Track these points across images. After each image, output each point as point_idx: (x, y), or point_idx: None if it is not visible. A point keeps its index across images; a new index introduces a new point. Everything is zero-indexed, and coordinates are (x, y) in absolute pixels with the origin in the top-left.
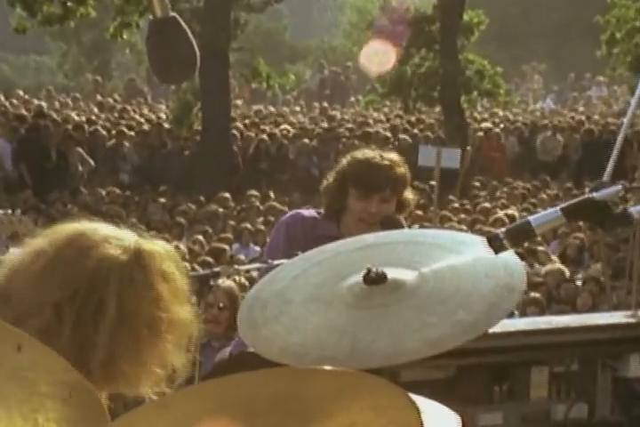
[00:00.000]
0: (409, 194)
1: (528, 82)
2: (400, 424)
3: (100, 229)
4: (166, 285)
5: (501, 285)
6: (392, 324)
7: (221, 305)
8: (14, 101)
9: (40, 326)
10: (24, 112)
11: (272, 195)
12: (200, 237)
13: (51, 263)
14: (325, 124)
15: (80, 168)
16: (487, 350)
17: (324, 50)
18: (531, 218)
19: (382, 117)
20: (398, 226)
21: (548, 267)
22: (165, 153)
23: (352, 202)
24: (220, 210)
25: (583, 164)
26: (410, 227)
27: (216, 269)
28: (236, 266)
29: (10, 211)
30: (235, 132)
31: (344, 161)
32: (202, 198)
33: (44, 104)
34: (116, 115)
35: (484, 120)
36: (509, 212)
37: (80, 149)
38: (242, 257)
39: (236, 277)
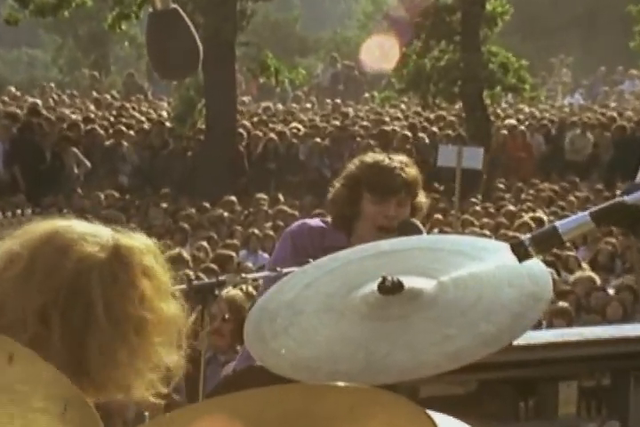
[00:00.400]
0: (422, 197)
1: (555, 76)
2: None
3: (73, 226)
4: (149, 281)
5: (526, 294)
6: (409, 336)
7: (227, 316)
8: (5, 98)
9: (27, 335)
10: (16, 110)
11: (281, 198)
12: (204, 244)
13: (28, 267)
14: (338, 123)
15: (76, 170)
16: (511, 363)
17: (337, 42)
18: (557, 223)
19: (399, 115)
20: (416, 231)
21: (578, 274)
22: (167, 153)
23: (367, 207)
24: (226, 214)
25: (615, 163)
26: (429, 232)
27: (222, 278)
28: (243, 274)
29: (10, 213)
30: (241, 130)
31: (351, 166)
32: (206, 203)
33: (37, 101)
34: (115, 113)
35: (509, 117)
36: (536, 215)
37: (76, 150)
38: (249, 265)
39: (243, 287)
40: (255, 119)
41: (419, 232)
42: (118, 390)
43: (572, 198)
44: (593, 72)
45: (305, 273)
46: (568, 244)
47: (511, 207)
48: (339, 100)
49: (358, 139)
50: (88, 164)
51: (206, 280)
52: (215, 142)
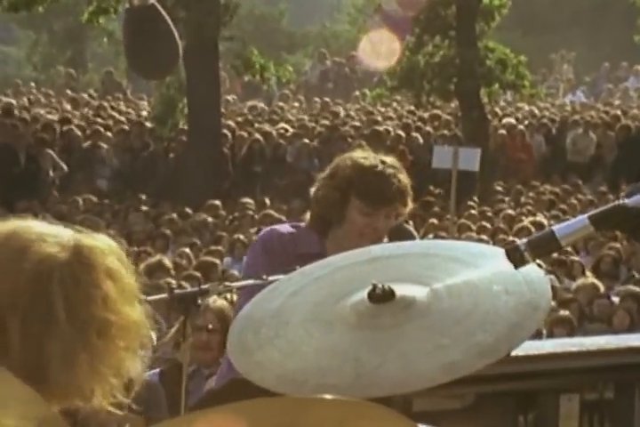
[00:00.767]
0: (410, 204)
1: (556, 72)
2: None
3: (32, 226)
4: (112, 283)
5: (524, 302)
6: (401, 347)
7: (210, 327)
8: None
9: None
10: None
11: (268, 202)
12: (187, 251)
13: None
14: (328, 122)
15: (52, 173)
16: (510, 375)
17: (326, 37)
18: (555, 227)
19: (392, 114)
20: (408, 236)
21: (580, 281)
22: (148, 156)
23: (355, 215)
24: (210, 219)
25: (619, 165)
26: (423, 237)
27: (205, 287)
28: (227, 283)
29: None
30: (225, 131)
31: (343, 166)
32: (189, 208)
33: (11, 101)
34: (92, 112)
35: (507, 116)
36: (537, 219)
37: (52, 152)
38: (234, 272)
39: (228, 296)
40: (240, 119)
41: (411, 237)
42: (80, 397)
43: (574, 202)
44: (596, 68)
45: (291, 281)
46: (570, 248)
47: (510, 211)
48: (328, 99)
49: (349, 139)
50: (64, 167)
51: (189, 289)
52: (198, 144)
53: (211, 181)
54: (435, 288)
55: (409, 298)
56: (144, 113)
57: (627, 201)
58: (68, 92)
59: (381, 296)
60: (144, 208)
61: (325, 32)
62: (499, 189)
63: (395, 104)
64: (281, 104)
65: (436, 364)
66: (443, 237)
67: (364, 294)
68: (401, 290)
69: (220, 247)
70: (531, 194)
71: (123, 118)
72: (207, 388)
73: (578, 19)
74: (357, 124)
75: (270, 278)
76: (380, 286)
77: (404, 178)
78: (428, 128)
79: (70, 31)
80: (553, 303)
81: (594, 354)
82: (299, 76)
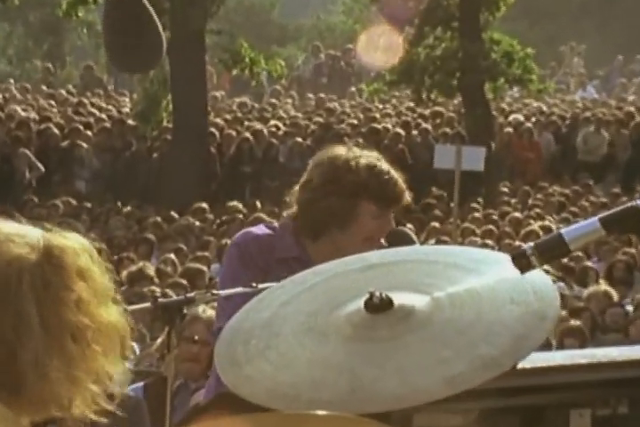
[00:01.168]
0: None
1: (566, 66)
2: None
3: None
4: (85, 283)
5: (530, 311)
6: (400, 359)
7: (196, 338)
8: None
9: None
10: None
11: (258, 205)
12: (172, 256)
13: None
14: (322, 120)
15: (28, 174)
16: (516, 389)
17: (320, 29)
18: (563, 231)
19: (390, 111)
20: (407, 241)
21: (592, 289)
22: (130, 156)
23: (366, 220)
24: (197, 223)
25: (633, 164)
26: (424, 242)
27: (190, 295)
28: (214, 291)
29: None
30: (213, 129)
31: (347, 169)
32: (174, 211)
33: None
34: (71, 109)
35: (514, 113)
36: (545, 223)
37: (28, 152)
38: None
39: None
40: (228, 117)
41: (411, 242)
42: (57, 406)
43: (585, 204)
44: (608, 61)
45: (282, 289)
46: (581, 254)
47: (517, 214)
48: (322, 95)
49: (345, 138)
50: (41, 167)
51: (174, 298)
52: (183, 143)
53: (197, 183)
54: (435, 297)
55: (408, 307)
56: (126, 110)
57: (639, 202)
58: (45, 87)
59: (379, 306)
60: (126, 212)
61: (319, 24)
62: (505, 190)
63: (393, 100)
64: (272, 101)
65: (437, 377)
66: (445, 242)
67: (360, 303)
68: (399, 299)
69: (207, 253)
70: (539, 196)
71: (103, 116)
72: (193, 403)
73: (589, 8)
74: (354, 121)
75: (260, 286)
76: (377, 294)
77: (395, 171)
78: (429, 126)
79: (47, 22)
80: (563, 313)
81: (606, 366)
82: (291, 71)
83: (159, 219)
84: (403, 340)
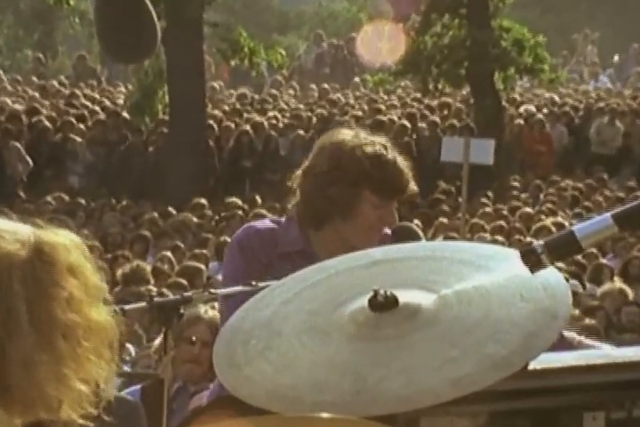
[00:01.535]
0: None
1: (579, 55)
2: None
3: None
4: (76, 281)
5: (541, 309)
6: (406, 359)
7: (194, 338)
8: None
9: None
10: None
11: (259, 200)
12: (169, 254)
13: None
14: (325, 112)
15: (20, 168)
16: (527, 391)
17: (322, 17)
18: (575, 227)
19: (396, 102)
20: (414, 237)
21: (606, 287)
22: (125, 150)
23: (367, 210)
24: (194, 220)
25: None
26: (432, 238)
27: (188, 294)
28: (213, 290)
29: None
30: (211, 122)
31: (351, 157)
32: (171, 207)
33: None
34: (63, 102)
35: (524, 103)
36: (558, 219)
37: (18, 145)
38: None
39: (216, 305)
40: (227, 108)
41: (417, 238)
42: (46, 408)
43: (599, 198)
44: (623, 50)
45: (283, 287)
46: (595, 250)
47: (528, 209)
48: (325, 86)
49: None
50: (30, 162)
51: (170, 297)
52: (180, 136)
53: (195, 178)
54: (442, 295)
55: (414, 306)
56: (120, 102)
57: None
58: (36, 79)
59: (383, 304)
60: (121, 208)
61: (321, 11)
62: (515, 184)
63: (399, 91)
64: (273, 92)
65: (445, 378)
66: (453, 238)
67: (364, 301)
68: (405, 297)
69: (205, 251)
70: (551, 190)
71: (97, 108)
72: (193, 406)
73: None
74: (358, 113)
75: (261, 284)
76: (381, 292)
77: (403, 160)
78: (437, 118)
79: (38, 11)
80: (576, 311)
81: (621, 367)
82: (292, 61)
83: (155, 215)
84: (408, 339)
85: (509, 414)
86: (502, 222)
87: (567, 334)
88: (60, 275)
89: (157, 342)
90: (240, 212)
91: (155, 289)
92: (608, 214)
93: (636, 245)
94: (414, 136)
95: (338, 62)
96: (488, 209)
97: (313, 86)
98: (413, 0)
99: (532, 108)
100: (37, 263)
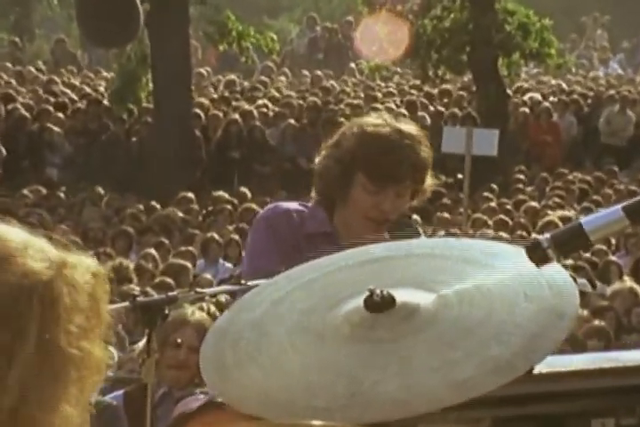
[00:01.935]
0: (428, 180)
1: (588, 39)
2: None
3: (11, 232)
4: (91, 312)
5: (546, 308)
6: (403, 362)
7: (179, 341)
8: None
9: None
10: None
11: (248, 194)
12: (153, 251)
13: None
14: (318, 100)
15: None
16: (532, 396)
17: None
18: (583, 220)
19: (393, 89)
20: (412, 233)
21: (617, 286)
22: (106, 140)
23: (358, 194)
24: (180, 215)
25: None
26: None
27: (173, 294)
28: (199, 289)
29: None
30: (197, 110)
31: (348, 133)
32: (155, 201)
33: None
34: (41, 89)
35: (530, 91)
36: (565, 213)
37: None
38: (208, 277)
39: (204, 305)
40: (215, 96)
41: (416, 234)
42: None
43: (609, 192)
44: (635, 34)
45: (275, 285)
46: (605, 246)
47: (533, 204)
48: (318, 72)
49: (342, 120)
50: (2, 150)
51: (155, 296)
52: (165, 125)
53: (181, 170)
54: (442, 294)
55: (412, 306)
56: (102, 89)
57: None
58: (11, 64)
59: (379, 304)
60: (102, 202)
61: None
62: (520, 177)
63: (397, 78)
64: (263, 78)
65: (444, 382)
66: (454, 234)
67: (359, 301)
68: (402, 296)
69: (191, 248)
70: (558, 183)
71: (76, 96)
72: (178, 412)
73: None
74: (353, 101)
75: (251, 283)
76: (377, 291)
77: (423, 151)
78: (437, 106)
79: None
80: (585, 312)
81: (632, 371)
82: (284, 46)
83: (139, 209)
84: (406, 341)
85: (513, 421)
86: (506, 217)
87: None
88: (79, 299)
89: (140, 344)
90: (229, 206)
91: (138, 288)
92: (619, 207)
93: None
94: None
95: (332, 47)
96: (491, 203)
97: (306, 73)
98: None
99: (539, 96)
100: (60, 285)
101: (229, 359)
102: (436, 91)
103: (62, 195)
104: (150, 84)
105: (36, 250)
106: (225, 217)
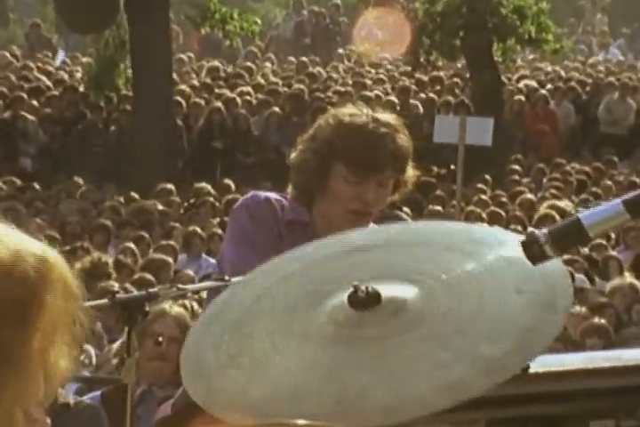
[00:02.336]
0: (410, 171)
1: (587, 23)
2: None
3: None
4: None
5: (538, 302)
6: (390, 364)
7: (160, 339)
8: None
9: None
10: None
11: (231, 185)
12: (132, 246)
13: None
14: (304, 87)
15: None
16: (528, 397)
17: None
18: (582, 215)
19: (383, 76)
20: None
21: (616, 282)
22: (83, 129)
23: (339, 186)
24: (160, 207)
25: None
26: None
27: (153, 290)
28: (180, 285)
29: None
30: (179, 98)
31: (324, 125)
32: (134, 193)
33: None
34: (14, 75)
35: (526, 77)
36: (562, 205)
37: None
38: (190, 273)
39: (186, 302)
40: (197, 83)
41: None
42: None
43: (608, 183)
44: (636, 18)
45: (255, 280)
46: (604, 241)
47: (529, 196)
48: (305, 58)
49: (330, 108)
50: None
51: (135, 293)
52: (145, 114)
53: (161, 160)
54: (429, 287)
55: (398, 301)
56: (78, 76)
57: None
58: None
59: (364, 301)
60: (79, 193)
61: None
62: (516, 168)
63: (387, 64)
64: (247, 64)
65: (435, 385)
66: None
67: (343, 297)
68: (388, 291)
69: (172, 242)
70: (555, 174)
71: (51, 83)
72: (160, 414)
73: None
74: (341, 88)
75: (233, 280)
76: (362, 287)
77: (402, 139)
78: (429, 93)
79: None
80: (584, 309)
81: (632, 370)
82: (269, 30)
83: (117, 202)
84: (393, 341)
85: (509, 423)
86: (501, 210)
87: None
88: (65, 297)
89: (118, 343)
90: (211, 199)
91: (117, 285)
92: (619, 200)
93: None
94: (404, 114)
95: (319, 32)
96: (485, 196)
97: (292, 58)
98: None
99: (535, 84)
100: (47, 287)
101: (211, 365)
102: (427, 78)
103: (38, 186)
104: (129, 71)
105: (31, 255)
106: (207, 210)
